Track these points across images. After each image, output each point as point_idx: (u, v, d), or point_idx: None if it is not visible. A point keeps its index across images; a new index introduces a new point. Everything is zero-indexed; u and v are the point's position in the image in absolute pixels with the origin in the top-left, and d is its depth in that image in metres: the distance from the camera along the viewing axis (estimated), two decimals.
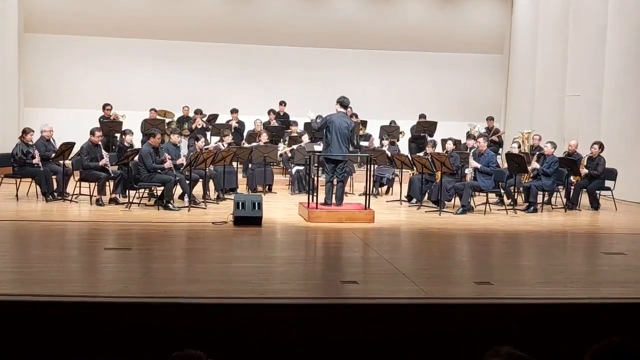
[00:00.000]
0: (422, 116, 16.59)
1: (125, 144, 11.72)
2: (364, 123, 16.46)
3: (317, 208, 10.04)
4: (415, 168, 12.07)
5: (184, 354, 2.49)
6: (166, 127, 14.93)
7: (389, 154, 13.15)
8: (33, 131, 11.33)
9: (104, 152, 11.18)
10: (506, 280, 6.79)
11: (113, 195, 11.02)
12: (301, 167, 13.04)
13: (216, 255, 7.88)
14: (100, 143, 11.28)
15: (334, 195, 10.39)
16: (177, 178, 10.75)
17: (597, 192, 11.96)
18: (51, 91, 17.38)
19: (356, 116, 16.15)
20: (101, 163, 10.92)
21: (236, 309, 5.40)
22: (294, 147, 13.83)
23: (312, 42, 18.28)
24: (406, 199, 12.15)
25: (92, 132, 11.14)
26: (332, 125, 10.21)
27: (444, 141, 12.89)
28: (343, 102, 10.42)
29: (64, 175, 11.24)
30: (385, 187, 13.55)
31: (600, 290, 6.53)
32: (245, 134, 15.45)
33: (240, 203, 9.42)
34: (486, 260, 8.11)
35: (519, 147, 13.02)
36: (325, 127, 10.30)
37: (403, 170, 12.78)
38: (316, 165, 10.57)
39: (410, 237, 9.66)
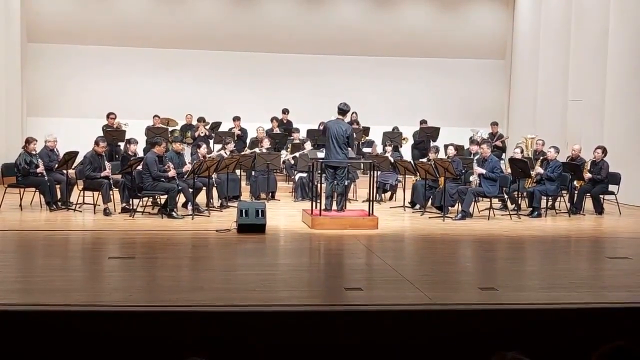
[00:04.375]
0: (423, 122, 16.58)
1: (130, 152, 11.73)
2: (366, 130, 16.46)
3: (320, 215, 10.04)
4: (418, 174, 12.07)
5: None
6: (169, 135, 14.96)
7: (392, 160, 13.15)
8: (36, 141, 11.35)
9: (107, 164, 11.17)
10: (511, 285, 6.78)
11: (123, 204, 11.02)
12: (304, 174, 13.04)
13: (220, 263, 7.89)
14: (104, 154, 11.27)
15: (334, 202, 10.44)
16: (180, 187, 10.75)
17: (601, 196, 11.94)
18: (54, 100, 17.42)
19: (358, 123, 16.17)
20: (103, 174, 10.89)
21: (240, 316, 5.39)
22: (297, 154, 13.84)
23: (314, 49, 18.31)
24: (409, 205, 12.15)
25: (97, 142, 11.11)
26: (328, 132, 10.37)
27: (445, 147, 12.88)
28: (341, 109, 10.50)
29: (67, 185, 11.26)
30: (388, 193, 13.55)
31: (605, 294, 6.50)
32: (247, 141, 15.47)
33: (243, 210, 9.42)
34: (490, 266, 8.09)
35: (522, 152, 13.02)
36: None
37: (406, 176, 12.78)
38: (319, 172, 10.60)
39: (414, 243, 9.65)
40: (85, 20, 17.47)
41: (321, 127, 11.01)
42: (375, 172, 11.57)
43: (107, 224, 10.00)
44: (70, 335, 5.02)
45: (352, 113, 15.92)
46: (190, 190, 10.87)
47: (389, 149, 14.04)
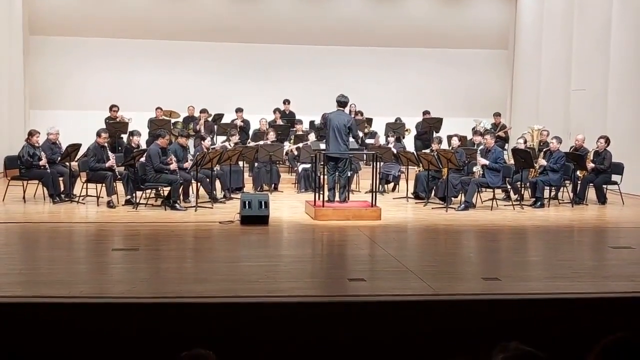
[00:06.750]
0: (426, 112, 16.54)
1: (133, 145, 11.74)
2: (369, 120, 16.43)
3: (323, 206, 10.05)
4: (421, 165, 12.06)
5: (192, 354, 2.50)
6: (172, 127, 14.98)
7: (395, 151, 13.14)
8: (39, 133, 11.36)
9: (110, 154, 11.19)
10: (514, 275, 6.79)
11: (128, 197, 11.04)
12: (307, 166, 13.04)
13: (223, 254, 7.90)
14: (106, 144, 11.29)
15: (337, 193, 10.45)
16: (181, 181, 10.75)
17: (604, 186, 11.93)
18: (56, 93, 17.44)
19: (361, 114, 16.13)
20: (107, 165, 10.93)
21: (244, 308, 5.41)
22: (300, 145, 13.83)
23: (316, 40, 18.27)
24: (412, 196, 12.14)
25: (98, 134, 11.14)
26: (329, 123, 10.36)
27: (449, 137, 12.87)
28: (340, 101, 10.49)
29: (70, 177, 11.28)
30: (391, 184, 13.54)
31: (608, 284, 6.51)
32: (250, 132, 15.46)
33: (246, 202, 9.43)
34: (493, 256, 8.10)
35: (525, 142, 13.00)
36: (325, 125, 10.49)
37: (409, 167, 12.76)
38: (322, 163, 10.60)
39: (417, 233, 9.65)
40: (88, 13, 17.45)
41: (322, 120, 11.06)
42: (378, 163, 11.57)
43: (110, 216, 10.02)
44: (74, 327, 5.03)
45: (351, 104, 15.89)
46: (194, 181, 10.89)
47: (391, 139, 14.02)
